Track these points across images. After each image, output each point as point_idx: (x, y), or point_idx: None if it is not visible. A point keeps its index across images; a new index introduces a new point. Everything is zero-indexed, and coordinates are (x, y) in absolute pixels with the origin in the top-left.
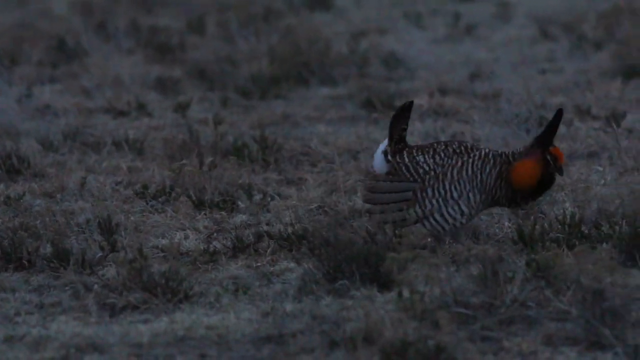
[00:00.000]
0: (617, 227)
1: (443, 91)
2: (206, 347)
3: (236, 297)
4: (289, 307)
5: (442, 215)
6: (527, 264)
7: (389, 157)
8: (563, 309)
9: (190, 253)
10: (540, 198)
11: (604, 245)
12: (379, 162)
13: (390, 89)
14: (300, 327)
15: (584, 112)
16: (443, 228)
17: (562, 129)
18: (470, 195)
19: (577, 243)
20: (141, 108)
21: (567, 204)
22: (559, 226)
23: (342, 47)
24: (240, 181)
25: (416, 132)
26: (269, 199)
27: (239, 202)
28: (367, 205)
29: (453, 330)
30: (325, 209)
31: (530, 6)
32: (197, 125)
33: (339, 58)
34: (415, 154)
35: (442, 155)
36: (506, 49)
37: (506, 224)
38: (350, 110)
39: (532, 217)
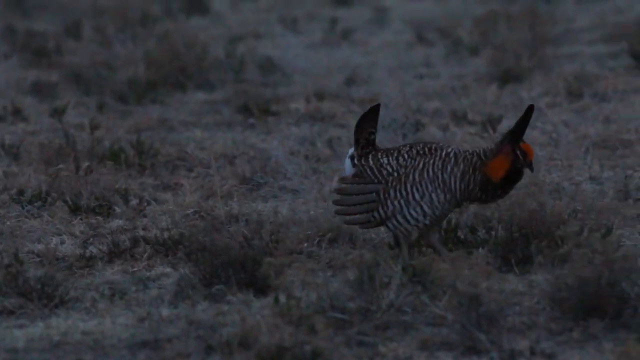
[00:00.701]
0: (493, 232)
1: (320, 96)
2: (82, 352)
3: (112, 302)
4: (165, 312)
5: (404, 216)
6: (403, 269)
7: (355, 161)
8: (439, 314)
9: (67, 258)
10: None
11: (480, 250)
12: (347, 167)
13: (267, 94)
14: (176, 332)
15: (460, 117)
16: (406, 229)
17: (438, 134)
18: (433, 195)
19: (453, 248)
20: (17, 113)
21: None
22: None
23: (219, 51)
24: (116, 186)
25: (293, 136)
26: (146, 203)
27: (115, 207)
28: (336, 207)
29: (329, 336)
30: (202, 214)
31: (406, 11)
32: (74, 130)
33: (216, 63)
34: (380, 157)
35: (406, 156)
36: (383, 54)
37: (382, 228)
38: (227, 115)
39: None
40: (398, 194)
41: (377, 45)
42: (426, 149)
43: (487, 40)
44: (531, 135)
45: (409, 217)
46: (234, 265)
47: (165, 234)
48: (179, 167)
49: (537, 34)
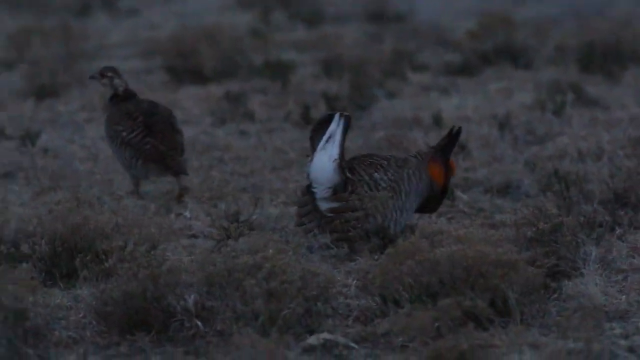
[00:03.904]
0: (36, 247)
1: None
2: None
3: None
4: None
5: (395, 223)
6: None
7: (347, 173)
8: None
9: None
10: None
11: (24, 264)
12: (326, 170)
13: None
14: None
15: None
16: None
17: None
18: (415, 202)
19: None
20: None
21: None
22: None
23: None
24: None
25: None
26: None
27: None
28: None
29: None
30: None
31: None
32: None
33: None
34: (369, 171)
35: (392, 171)
36: None
37: None
38: None
39: None
40: (395, 204)
41: None
42: (399, 162)
43: (21, 55)
44: (71, 149)
45: (400, 224)
46: None
47: None
48: None
49: (71, 49)
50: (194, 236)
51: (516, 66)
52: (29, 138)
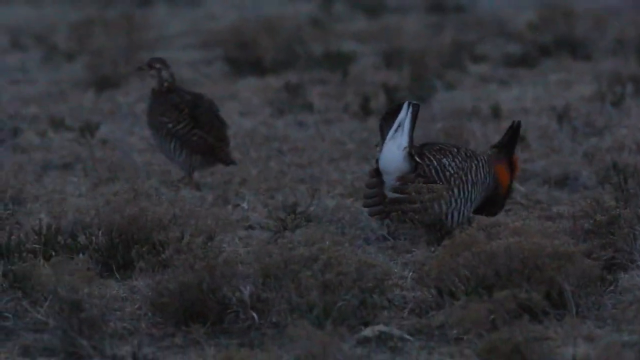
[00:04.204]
0: (93, 238)
1: None
2: None
3: None
4: None
5: (460, 212)
6: (4, 275)
7: (417, 158)
8: (41, 320)
9: None
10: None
11: (81, 255)
12: (396, 159)
13: None
14: None
15: (57, 123)
16: (455, 223)
17: (35, 140)
18: (479, 195)
19: (54, 254)
20: None
21: (43, 215)
22: (36, 237)
23: None
24: None
25: None
26: None
27: None
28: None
29: None
30: None
31: (1, 16)
32: None
33: None
34: (438, 156)
35: (459, 159)
36: None
37: None
38: None
39: (7, 228)
40: (461, 192)
41: None
42: (470, 152)
43: (83, 46)
44: (129, 140)
45: (463, 214)
46: None
47: None
48: None
49: (133, 39)
50: (251, 227)
51: (575, 57)
52: (88, 129)
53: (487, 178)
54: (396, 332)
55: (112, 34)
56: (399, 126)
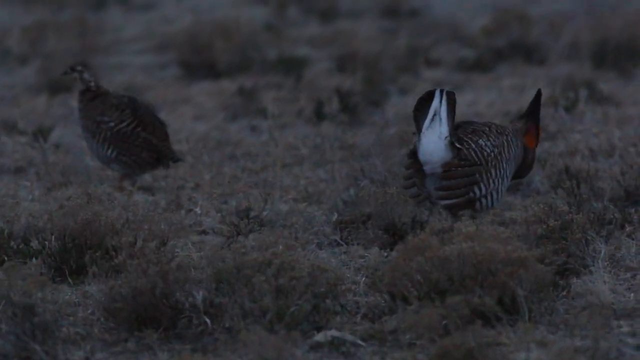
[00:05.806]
0: (46, 243)
1: None
2: None
3: None
4: None
5: (498, 191)
6: None
7: (457, 144)
8: None
9: None
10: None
11: (34, 260)
12: (438, 149)
13: None
14: None
15: (10, 127)
16: (492, 204)
17: None
18: (512, 170)
19: (6, 258)
20: None
21: None
22: None
23: None
24: None
25: None
26: None
27: None
28: (440, 192)
29: None
30: None
31: None
32: None
33: None
34: (474, 138)
35: (493, 137)
36: None
37: None
38: None
39: None
40: (498, 172)
41: None
42: (499, 127)
43: (36, 49)
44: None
45: (502, 192)
46: None
47: None
48: None
49: (87, 43)
50: (204, 232)
51: (530, 62)
52: (41, 133)
53: (517, 150)
54: (349, 337)
55: (65, 37)
56: (434, 115)
